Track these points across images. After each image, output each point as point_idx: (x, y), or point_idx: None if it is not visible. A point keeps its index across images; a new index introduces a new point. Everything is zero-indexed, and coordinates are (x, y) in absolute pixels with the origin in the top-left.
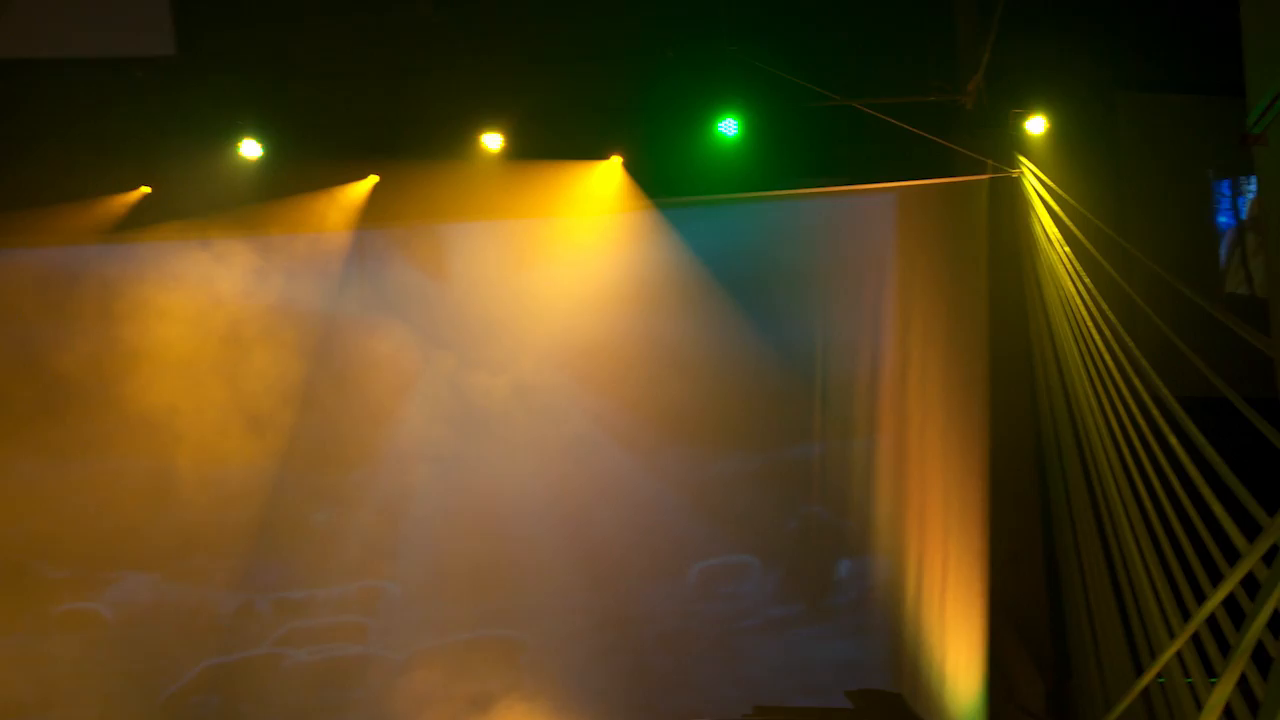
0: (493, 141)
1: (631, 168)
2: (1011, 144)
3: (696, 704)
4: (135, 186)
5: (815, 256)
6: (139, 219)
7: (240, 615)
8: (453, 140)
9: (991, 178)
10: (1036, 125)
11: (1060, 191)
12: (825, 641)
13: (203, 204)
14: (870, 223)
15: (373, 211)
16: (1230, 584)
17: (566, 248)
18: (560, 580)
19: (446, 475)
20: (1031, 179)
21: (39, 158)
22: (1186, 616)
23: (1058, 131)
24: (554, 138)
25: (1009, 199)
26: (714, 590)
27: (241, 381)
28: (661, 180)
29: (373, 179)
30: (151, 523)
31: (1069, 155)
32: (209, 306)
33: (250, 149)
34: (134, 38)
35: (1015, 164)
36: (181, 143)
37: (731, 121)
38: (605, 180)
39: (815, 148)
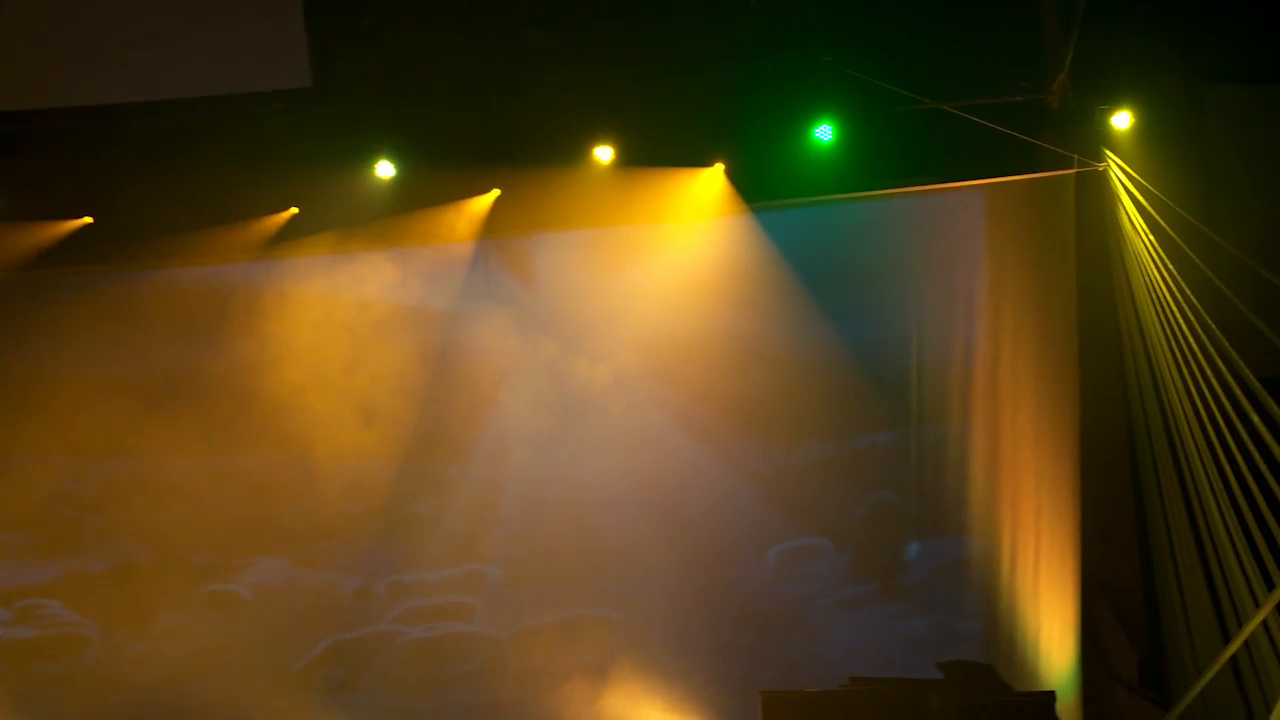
0: (604, 154)
1: (733, 174)
2: (1098, 139)
3: (781, 678)
4: (286, 208)
5: (909, 253)
6: (288, 237)
7: (359, 596)
8: (567, 153)
9: (1078, 172)
10: (1122, 120)
11: (1144, 183)
12: (903, 618)
13: (343, 221)
14: (961, 219)
15: (495, 221)
16: None
17: (671, 250)
18: (648, 564)
19: (544, 464)
20: (1117, 172)
21: (199, 185)
22: (1270, 586)
23: (1144, 126)
24: (661, 147)
25: (1096, 192)
26: (791, 571)
27: (367, 382)
28: (762, 185)
29: (495, 192)
30: (283, 513)
31: (1155, 149)
32: (344, 314)
33: (385, 169)
34: (275, 74)
35: (1101, 159)
36: (324, 166)
37: (827, 127)
38: (709, 186)
39: (907, 149)
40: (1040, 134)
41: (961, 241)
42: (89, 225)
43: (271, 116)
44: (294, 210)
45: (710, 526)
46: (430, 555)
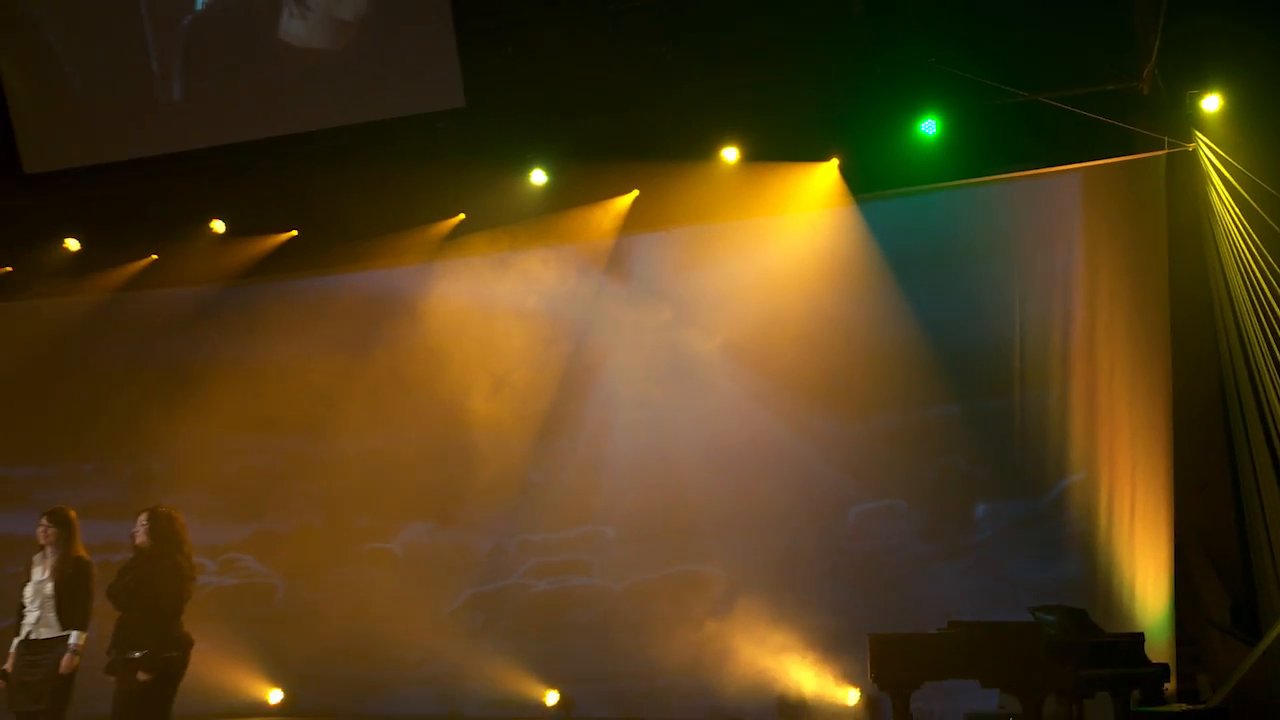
0: (730, 154)
1: (846, 167)
2: (1189, 122)
3: (867, 624)
4: (455, 214)
5: (1010, 234)
6: (455, 239)
7: (493, 554)
8: (698, 154)
9: (1168, 153)
10: (1211, 104)
11: (1233, 162)
12: (973, 572)
13: (502, 223)
14: (1058, 202)
15: (634, 218)
16: None
17: (789, 238)
18: (743, 523)
19: (651, 433)
20: (1206, 152)
21: (380, 198)
22: None
23: (1233, 108)
24: (781, 146)
25: (1186, 172)
26: (869, 529)
27: (510, 365)
28: (872, 176)
29: (635, 192)
30: (429, 484)
31: (1245, 129)
32: (494, 307)
33: (538, 176)
34: (433, 97)
35: (1192, 140)
36: (486, 176)
37: (931, 121)
38: (824, 180)
39: (1006, 139)
40: (1132, 119)
41: (1059, 222)
42: (294, 238)
43: (437, 134)
44: (462, 216)
45: (796, 489)
46: (553, 517)
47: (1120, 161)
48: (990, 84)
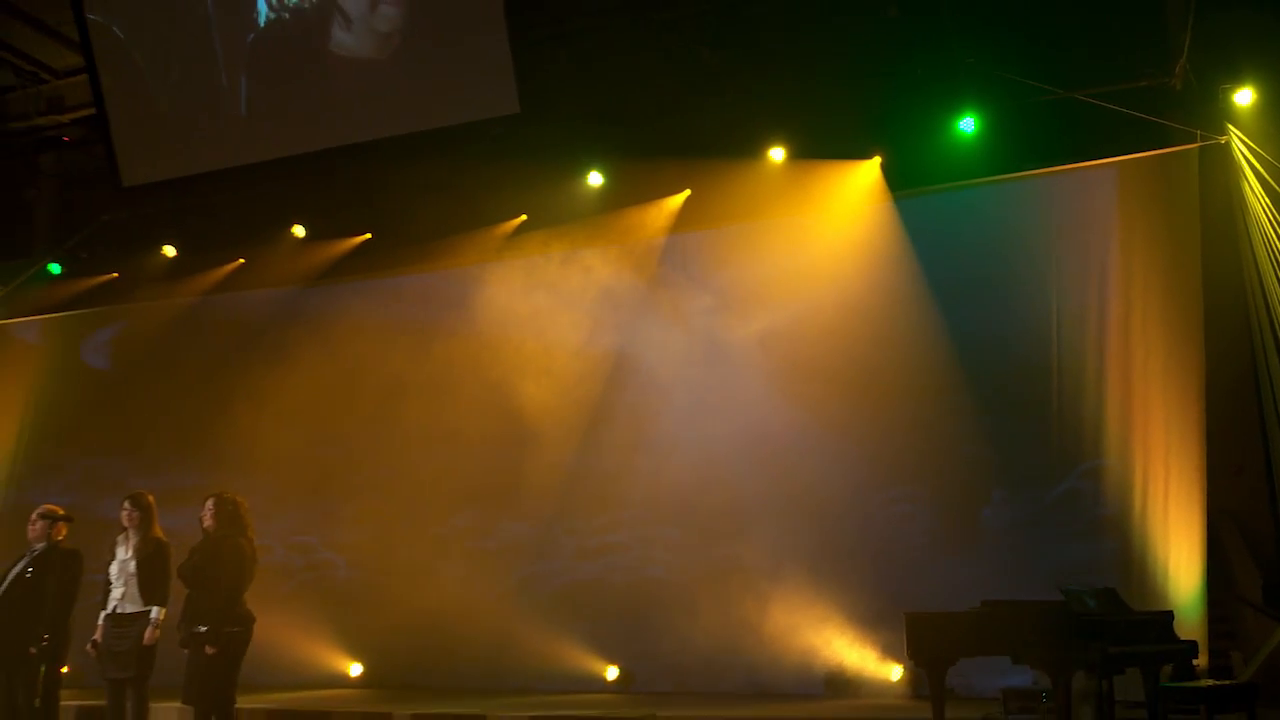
0: (777, 154)
1: (887, 165)
2: (1222, 116)
3: (901, 603)
4: (517, 215)
5: (1046, 227)
6: (518, 239)
7: (544, 539)
8: (747, 155)
9: (1201, 146)
10: (1244, 97)
11: (1264, 154)
12: (1000, 554)
13: (562, 222)
14: (1093, 194)
15: (686, 217)
16: None
17: (833, 233)
18: (777, 512)
19: (688, 425)
20: (1239, 145)
21: (443, 202)
22: None
23: (1265, 101)
24: (825, 146)
25: (1219, 164)
26: (894, 513)
27: (564, 360)
28: (913, 173)
29: (686, 192)
30: (486, 474)
31: (1277, 122)
32: (554, 304)
33: (595, 178)
34: (488, 104)
35: (1225, 133)
36: (545, 179)
37: (969, 119)
38: (866, 177)
39: (1042, 135)
40: (1165, 114)
41: (1094, 215)
42: (368, 240)
43: (499, 140)
44: (524, 217)
45: (828, 476)
46: (598, 505)
47: (1154, 155)
48: (1026, 83)
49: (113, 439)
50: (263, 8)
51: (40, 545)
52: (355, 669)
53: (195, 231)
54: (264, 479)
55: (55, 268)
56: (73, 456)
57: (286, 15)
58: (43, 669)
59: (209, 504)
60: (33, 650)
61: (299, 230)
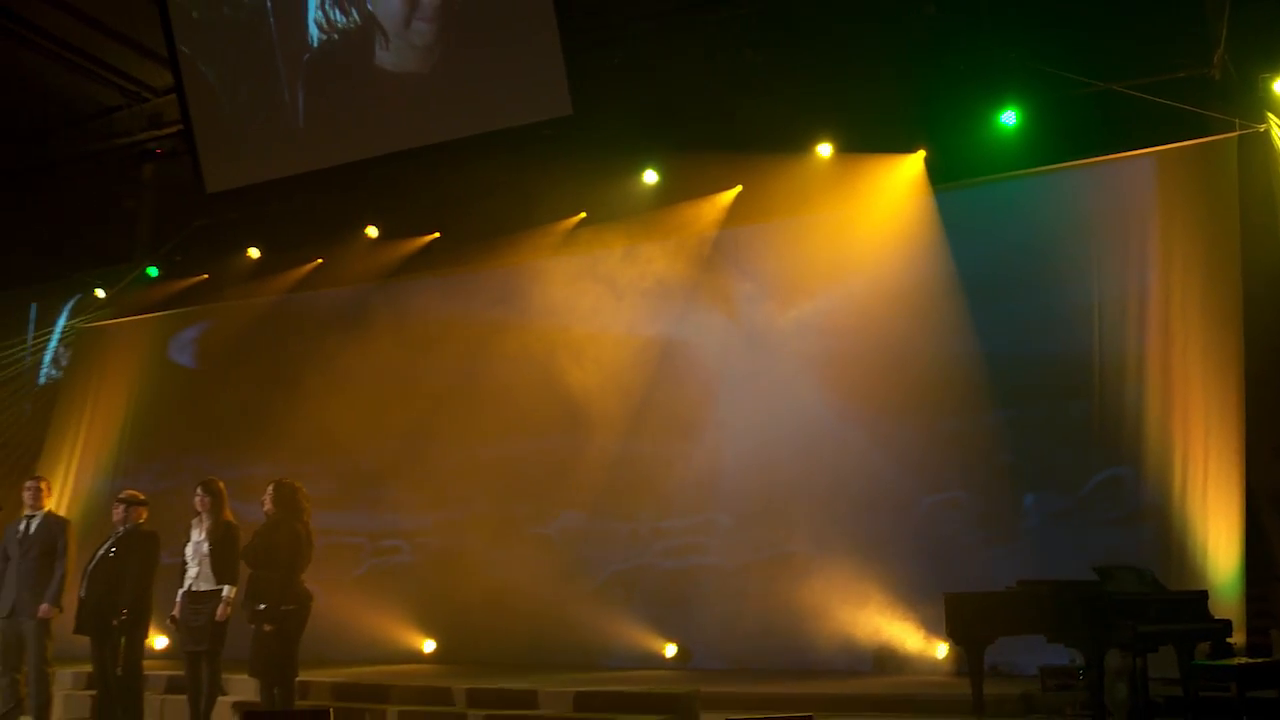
0: (824, 150)
1: (931, 159)
2: (1260, 104)
3: (947, 588)
4: (577, 213)
5: (1087, 217)
6: (577, 236)
7: (629, 537)
8: (795, 151)
9: (1240, 135)
10: None
11: None
12: (1033, 552)
13: (619, 219)
14: (1133, 184)
15: (736, 212)
16: None
17: (877, 226)
18: (830, 512)
19: (754, 441)
20: (1277, 132)
21: (507, 202)
22: None
23: None
24: (871, 141)
25: (1258, 153)
26: (939, 516)
27: (621, 352)
28: (957, 166)
29: (738, 188)
30: (578, 478)
31: None
32: (613, 299)
33: (650, 176)
34: (541, 106)
35: (1264, 122)
36: (603, 177)
37: (1011, 113)
38: (911, 171)
39: (1082, 126)
40: (1204, 103)
41: (1134, 204)
42: (437, 239)
43: (560, 140)
44: (583, 214)
45: (874, 483)
46: (678, 505)
47: (1193, 145)
48: (1066, 75)
49: (199, 431)
50: (314, 30)
51: (122, 528)
52: (429, 645)
53: (278, 234)
54: (336, 467)
55: (153, 271)
56: (165, 447)
57: (336, 36)
58: (123, 640)
59: (269, 489)
60: (115, 623)
61: (372, 231)
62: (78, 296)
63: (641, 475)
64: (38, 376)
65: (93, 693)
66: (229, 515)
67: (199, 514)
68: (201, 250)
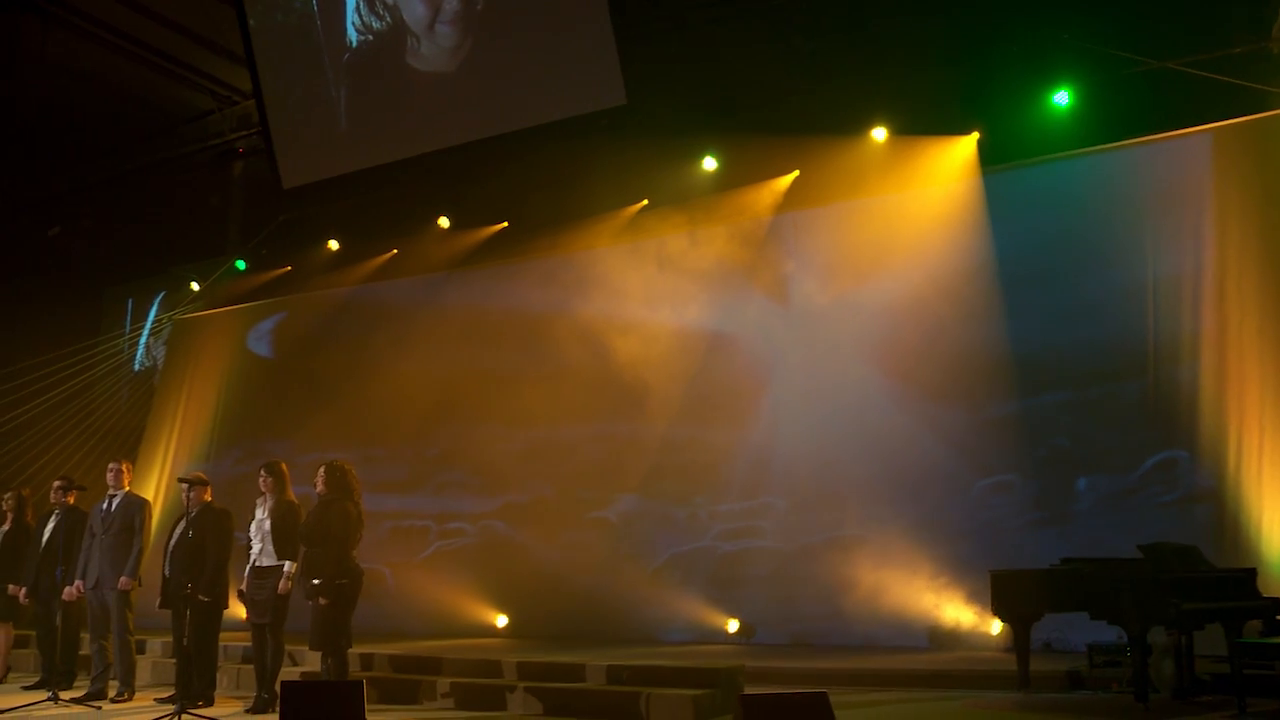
0: (879, 134)
1: (985, 140)
2: None
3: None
4: (639, 200)
5: (1141, 195)
6: (639, 223)
7: (688, 520)
8: (850, 135)
9: None
10: None
11: None
12: (1087, 534)
13: (680, 206)
14: (1188, 162)
15: (792, 196)
16: None
17: (933, 210)
18: (883, 497)
19: (810, 426)
20: None
21: (572, 191)
22: None
23: None
24: (925, 125)
25: None
26: (989, 501)
27: (680, 338)
28: (1010, 148)
29: (795, 173)
30: (637, 463)
31: None
32: (672, 285)
33: (709, 163)
34: (596, 97)
35: None
36: (664, 165)
37: (1064, 93)
38: (964, 153)
39: (1136, 105)
40: (1262, 78)
41: (1189, 182)
42: (505, 228)
43: (622, 130)
44: (645, 201)
45: (926, 466)
46: (734, 489)
47: (1250, 120)
48: (1120, 54)
49: (280, 417)
50: (353, 34)
51: (195, 509)
52: (501, 620)
53: (356, 226)
54: (404, 452)
55: (241, 264)
56: (249, 432)
57: (370, 37)
58: (188, 612)
59: (320, 471)
60: (196, 600)
61: (444, 221)
62: (161, 294)
63: (697, 459)
64: (133, 366)
65: (174, 661)
66: (290, 495)
67: (262, 494)
68: (285, 243)
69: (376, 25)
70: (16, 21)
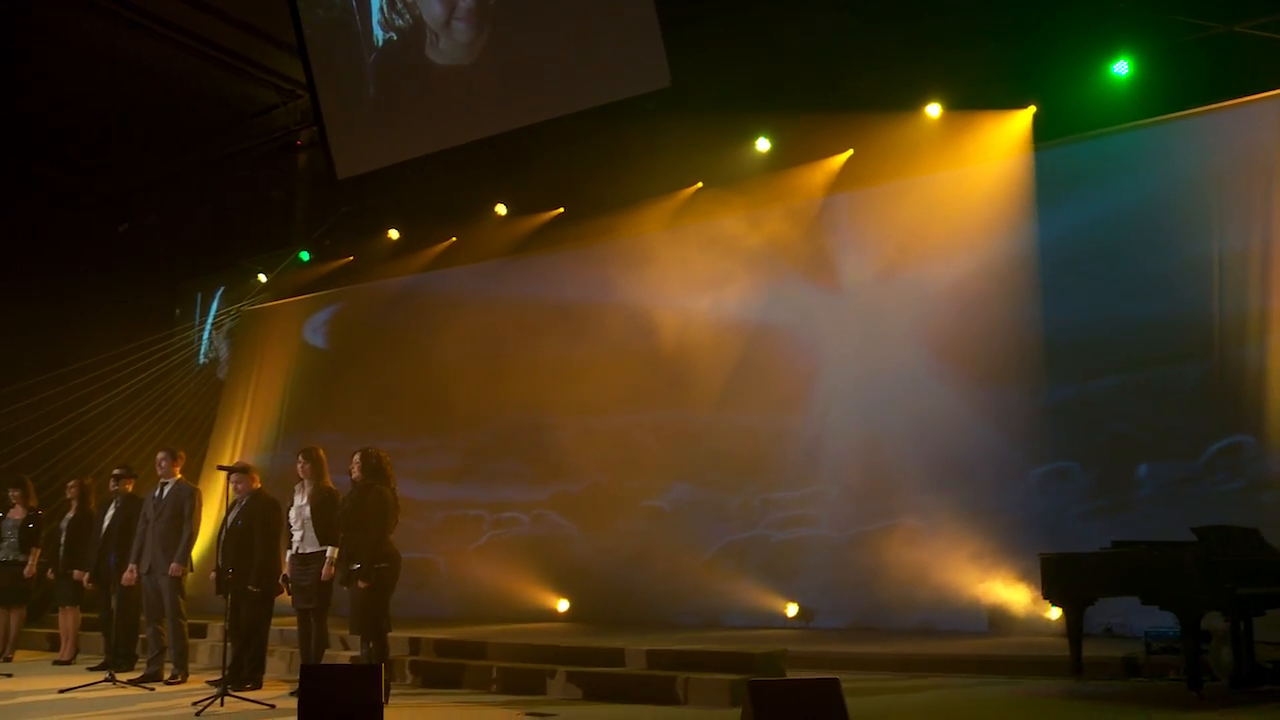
0: (933, 109)
1: (1042, 114)
2: None
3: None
4: (692, 184)
5: (1206, 166)
6: (692, 206)
7: (741, 509)
8: (904, 112)
9: None
10: None
11: None
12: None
13: (734, 189)
14: (1255, 131)
15: (846, 176)
16: None
17: (989, 186)
18: (938, 484)
19: (861, 416)
20: None
21: (625, 175)
22: None
23: None
24: (980, 99)
25: None
26: (1047, 488)
27: (730, 323)
28: (1068, 121)
29: (849, 152)
30: (689, 452)
31: None
32: (724, 269)
33: (763, 144)
34: (641, 80)
35: None
36: (717, 147)
37: (1123, 62)
38: (1020, 126)
39: (1198, 72)
40: None
41: (1256, 151)
42: (560, 214)
43: (671, 112)
44: (699, 184)
45: (980, 453)
46: (786, 477)
47: None
48: (1183, 20)
49: (339, 407)
50: (379, 31)
51: (245, 497)
52: (563, 605)
53: (415, 216)
54: (458, 441)
55: (305, 255)
56: (311, 422)
57: (395, 36)
58: (228, 597)
59: (356, 458)
60: (247, 588)
61: (501, 209)
62: (220, 289)
63: (747, 446)
64: (198, 358)
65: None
66: (329, 481)
67: (301, 480)
68: (347, 234)
69: (399, 23)
70: (87, 23)
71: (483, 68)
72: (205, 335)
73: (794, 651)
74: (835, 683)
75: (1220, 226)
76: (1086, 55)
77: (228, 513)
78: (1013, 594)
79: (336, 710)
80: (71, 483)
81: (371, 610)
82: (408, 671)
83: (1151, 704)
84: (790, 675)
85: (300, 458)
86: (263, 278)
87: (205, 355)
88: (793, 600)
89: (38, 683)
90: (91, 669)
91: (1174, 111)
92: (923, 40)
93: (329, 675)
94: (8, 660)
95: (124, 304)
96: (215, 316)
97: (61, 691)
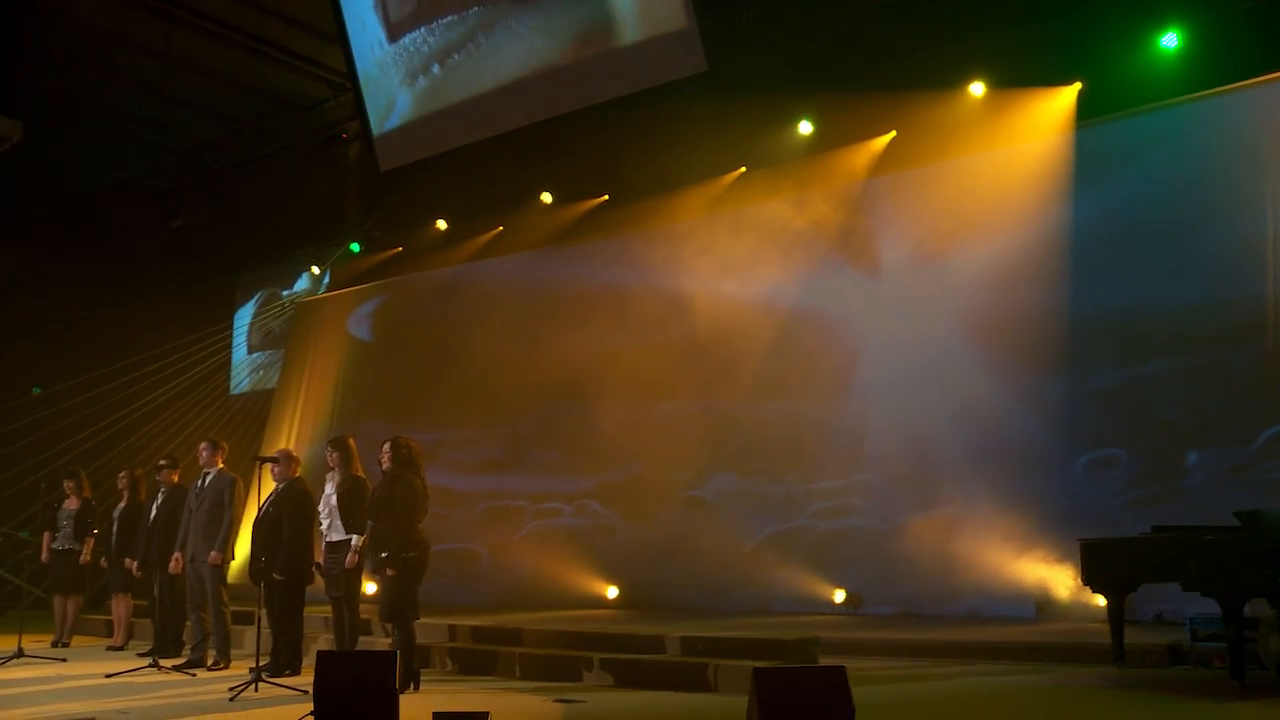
0: (977, 89)
1: (1088, 90)
2: None
3: None
4: (737, 168)
5: (1257, 140)
6: (735, 192)
7: (785, 499)
8: (947, 90)
9: None
10: None
11: None
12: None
13: (777, 173)
14: None
15: (889, 158)
16: None
17: (1034, 166)
18: (983, 473)
19: (903, 404)
20: None
21: (668, 162)
22: None
23: None
24: (1025, 77)
25: None
26: (1094, 476)
27: (771, 311)
28: (1116, 96)
29: (892, 133)
30: (731, 442)
31: None
32: (764, 255)
33: (805, 127)
34: (677, 66)
35: None
36: (759, 129)
37: (1172, 35)
38: (1065, 105)
39: (1251, 43)
40: None
41: None
42: (605, 202)
43: (713, 97)
44: (743, 169)
45: (1025, 440)
46: (827, 467)
47: None
48: None
49: (387, 397)
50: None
51: (282, 485)
52: (612, 592)
53: (463, 206)
54: (499, 432)
55: (355, 247)
56: (359, 411)
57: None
58: (261, 585)
59: (385, 447)
60: (276, 577)
61: (547, 197)
62: (261, 291)
63: (789, 435)
64: (244, 351)
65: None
66: (358, 470)
67: (330, 469)
68: (397, 224)
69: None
70: (140, 23)
71: (532, 51)
72: (245, 327)
73: (837, 638)
74: (841, 670)
75: (1274, 204)
76: (1134, 28)
77: (265, 501)
78: (1059, 580)
79: (352, 696)
80: (122, 473)
81: (399, 598)
82: (446, 659)
83: (1190, 694)
84: (826, 661)
85: (329, 447)
86: (315, 270)
87: (252, 347)
88: (840, 587)
89: (88, 668)
90: (141, 654)
91: (1225, 84)
92: (967, 17)
93: (345, 661)
94: (65, 645)
95: (180, 298)
96: (268, 309)
97: (108, 676)
